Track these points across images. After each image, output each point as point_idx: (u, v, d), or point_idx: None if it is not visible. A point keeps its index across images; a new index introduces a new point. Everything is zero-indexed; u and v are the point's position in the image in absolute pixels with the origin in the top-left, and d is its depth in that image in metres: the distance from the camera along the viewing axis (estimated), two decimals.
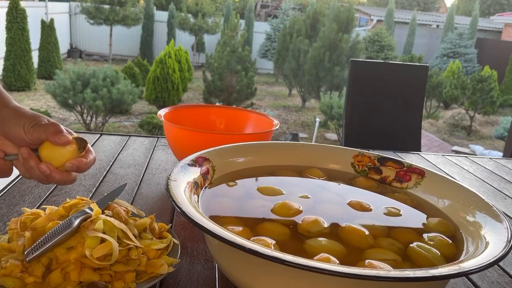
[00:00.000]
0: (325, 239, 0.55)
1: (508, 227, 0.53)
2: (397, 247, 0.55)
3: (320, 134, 7.28)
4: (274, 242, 0.53)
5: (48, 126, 0.58)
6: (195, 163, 0.66)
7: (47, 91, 5.97)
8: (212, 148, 0.71)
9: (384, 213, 0.65)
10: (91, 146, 1.19)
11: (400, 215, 0.65)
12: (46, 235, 0.55)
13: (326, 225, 0.59)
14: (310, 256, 0.51)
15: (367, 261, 0.51)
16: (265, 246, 0.48)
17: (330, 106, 6.69)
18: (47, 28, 8.69)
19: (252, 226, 0.57)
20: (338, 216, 0.63)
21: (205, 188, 0.65)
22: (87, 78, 5.78)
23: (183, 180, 0.59)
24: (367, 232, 0.58)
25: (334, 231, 0.58)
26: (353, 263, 0.51)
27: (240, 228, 0.55)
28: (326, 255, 0.51)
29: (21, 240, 0.57)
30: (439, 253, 0.54)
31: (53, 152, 0.58)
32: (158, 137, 1.35)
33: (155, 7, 12.76)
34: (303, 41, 8.82)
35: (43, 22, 8.69)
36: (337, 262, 0.50)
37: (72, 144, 0.60)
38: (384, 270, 0.49)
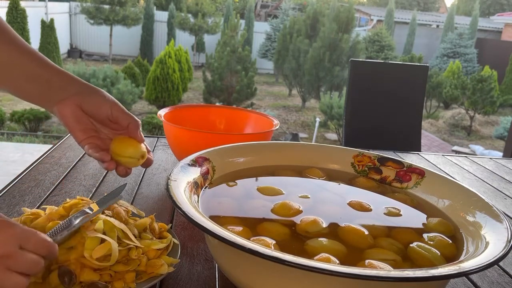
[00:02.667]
0: (325, 239, 0.55)
1: (508, 227, 0.53)
2: (397, 247, 0.55)
3: (320, 134, 7.28)
4: (274, 242, 0.53)
5: (134, 118, 0.65)
6: (195, 163, 0.66)
7: None
8: (212, 148, 0.71)
9: (384, 213, 0.65)
10: None
11: (400, 215, 0.65)
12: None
13: (324, 225, 0.58)
14: (310, 256, 0.51)
15: (367, 261, 0.50)
16: (265, 246, 0.48)
17: (330, 106, 6.70)
18: (47, 28, 8.69)
19: (252, 226, 0.57)
20: (338, 216, 0.63)
21: (205, 188, 0.65)
22: (87, 78, 5.79)
23: (183, 180, 0.59)
24: (366, 232, 0.58)
25: (333, 231, 0.58)
26: (353, 263, 0.51)
27: (240, 228, 0.55)
28: (326, 255, 0.51)
29: None
30: (439, 253, 0.54)
31: (125, 150, 0.64)
32: (158, 137, 1.35)
33: (155, 7, 12.76)
34: (303, 41, 8.82)
35: (43, 22, 8.70)
36: (337, 262, 0.50)
37: (141, 147, 0.65)
38: (384, 270, 0.49)
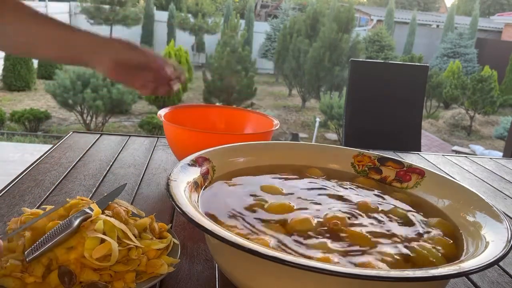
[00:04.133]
0: (325, 239, 0.55)
1: (508, 227, 0.53)
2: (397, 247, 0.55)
3: (320, 134, 7.28)
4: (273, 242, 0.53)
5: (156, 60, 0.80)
6: (195, 163, 0.66)
7: (47, 91, 5.97)
8: (212, 148, 0.71)
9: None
10: (92, 146, 1.19)
11: None
12: (46, 235, 0.55)
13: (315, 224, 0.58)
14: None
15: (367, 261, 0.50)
16: (265, 246, 0.48)
17: (330, 106, 6.70)
18: None
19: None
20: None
21: (205, 188, 0.65)
22: (87, 78, 5.78)
23: (183, 180, 0.59)
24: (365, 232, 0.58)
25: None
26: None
27: None
28: (326, 255, 0.51)
29: (21, 240, 0.57)
30: (439, 253, 0.54)
31: None
32: (158, 137, 1.35)
33: (155, 7, 12.76)
34: (303, 41, 8.82)
35: None
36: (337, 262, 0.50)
37: None
38: (384, 270, 0.49)
